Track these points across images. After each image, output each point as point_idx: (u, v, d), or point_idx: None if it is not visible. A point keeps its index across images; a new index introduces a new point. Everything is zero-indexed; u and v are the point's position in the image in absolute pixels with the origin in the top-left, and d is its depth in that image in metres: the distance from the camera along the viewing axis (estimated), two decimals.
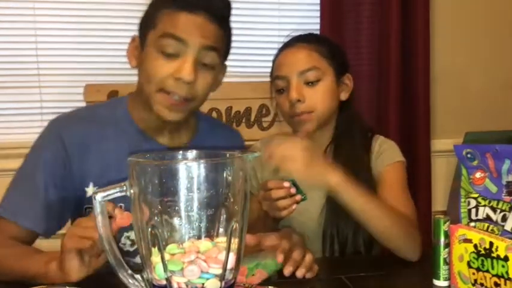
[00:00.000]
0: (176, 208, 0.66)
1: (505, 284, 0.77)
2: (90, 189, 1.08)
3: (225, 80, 2.08)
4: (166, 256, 0.66)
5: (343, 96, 1.31)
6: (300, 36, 1.31)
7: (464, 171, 0.97)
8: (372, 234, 1.10)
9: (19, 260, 0.98)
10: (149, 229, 0.67)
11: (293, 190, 1.11)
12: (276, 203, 1.10)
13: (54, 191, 1.07)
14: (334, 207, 1.22)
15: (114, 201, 1.13)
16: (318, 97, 1.23)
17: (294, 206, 1.12)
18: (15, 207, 1.06)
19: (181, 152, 0.76)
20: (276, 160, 1.02)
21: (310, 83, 1.23)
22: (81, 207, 1.10)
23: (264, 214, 1.14)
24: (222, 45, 1.09)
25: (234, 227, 0.68)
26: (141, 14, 2.03)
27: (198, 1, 1.03)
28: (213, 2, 1.06)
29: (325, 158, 1.04)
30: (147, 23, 1.07)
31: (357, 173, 1.23)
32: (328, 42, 1.33)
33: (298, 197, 1.12)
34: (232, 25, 2.29)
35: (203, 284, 0.67)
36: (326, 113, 1.26)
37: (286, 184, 1.11)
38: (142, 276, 0.71)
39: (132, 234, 1.11)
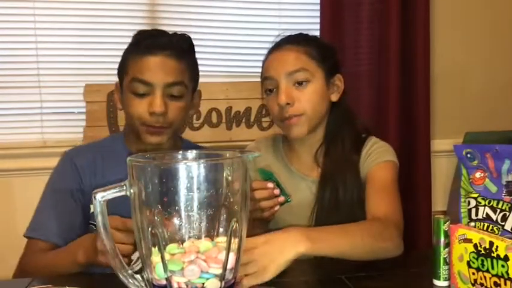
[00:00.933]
0: (176, 208, 0.66)
1: (505, 284, 0.77)
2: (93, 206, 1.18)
3: (225, 80, 2.11)
4: (166, 256, 0.67)
5: (334, 97, 1.28)
6: (289, 37, 1.30)
7: (464, 171, 0.97)
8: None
9: (56, 254, 1.13)
10: (149, 229, 0.67)
11: (277, 191, 1.10)
12: (259, 203, 1.10)
13: (72, 206, 1.22)
14: (324, 209, 1.22)
15: (114, 201, 1.17)
16: (307, 99, 1.22)
17: (277, 208, 1.12)
18: (42, 227, 1.20)
19: (181, 152, 0.77)
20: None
21: (299, 84, 1.22)
22: (87, 222, 1.24)
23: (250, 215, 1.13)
24: (186, 76, 1.21)
25: (234, 227, 0.68)
26: (141, 14, 2.05)
27: (157, 43, 1.18)
28: (171, 41, 1.20)
29: (281, 233, 0.94)
30: (121, 71, 1.24)
31: (345, 175, 1.24)
32: (318, 43, 1.30)
33: (281, 199, 1.11)
34: (233, 25, 2.29)
35: (203, 283, 0.67)
36: (316, 116, 1.25)
37: (270, 185, 1.10)
38: (142, 276, 0.71)
39: None
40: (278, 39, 1.31)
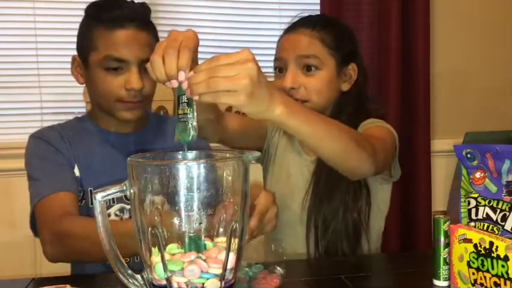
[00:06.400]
0: (176, 208, 0.66)
1: (505, 284, 0.77)
2: (76, 171, 1.21)
3: None
4: (166, 256, 0.66)
5: (345, 87, 1.25)
6: (306, 18, 1.26)
7: (464, 171, 0.97)
8: (327, 161, 0.97)
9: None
10: (149, 229, 0.67)
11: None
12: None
13: (65, 174, 1.18)
14: (319, 192, 1.20)
15: (114, 199, 1.18)
16: (313, 87, 1.20)
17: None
18: (50, 183, 1.15)
19: (181, 152, 0.76)
20: (209, 96, 0.73)
21: (308, 69, 1.20)
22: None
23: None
24: (154, 45, 1.15)
25: (234, 227, 0.68)
26: None
27: (124, 15, 1.14)
28: (137, 12, 1.17)
29: (268, 84, 0.79)
30: (85, 45, 1.18)
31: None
32: (335, 29, 1.25)
33: None
34: (233, 25, 2.28)
35: (203, 284, 0.67)
36: (320, 105, 1.21)
37: None
38: (142, 276, 0.71)
39: None
40: (296, 19, 1.27)
